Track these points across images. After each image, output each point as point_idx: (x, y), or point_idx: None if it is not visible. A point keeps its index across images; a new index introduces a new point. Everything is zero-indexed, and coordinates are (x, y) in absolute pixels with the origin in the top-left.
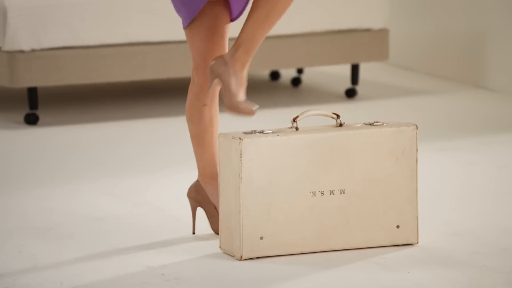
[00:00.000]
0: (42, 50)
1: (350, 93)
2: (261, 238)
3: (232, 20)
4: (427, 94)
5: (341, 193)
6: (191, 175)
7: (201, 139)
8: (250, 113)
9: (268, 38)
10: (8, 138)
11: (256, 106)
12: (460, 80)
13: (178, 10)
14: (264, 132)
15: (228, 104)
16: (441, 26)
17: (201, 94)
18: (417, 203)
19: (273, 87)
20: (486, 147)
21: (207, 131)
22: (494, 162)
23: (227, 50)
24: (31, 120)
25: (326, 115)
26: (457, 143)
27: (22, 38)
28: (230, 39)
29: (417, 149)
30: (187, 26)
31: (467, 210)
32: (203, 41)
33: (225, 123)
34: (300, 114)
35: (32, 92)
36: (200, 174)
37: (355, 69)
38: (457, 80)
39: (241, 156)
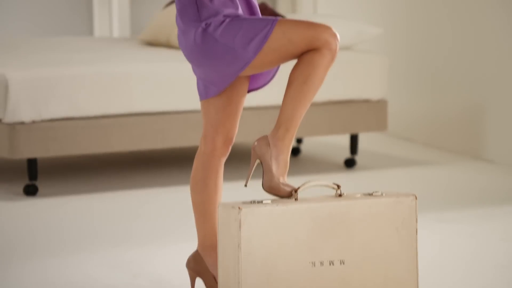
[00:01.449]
0: (43, 121)
1: (349, 163)
2: None
3: (251, 90)
4: (426, 165)
5: (341, 264)
6: (191, 246)
7: (203, 208)
8: (290, 196)
9: (267, 108)
10: (6, 210)
11: (296, 188)
12: (459, 151)
13: (210, 83)
14: (264, 202)
15: (267, 185)
16: (440, 97)
17: (207, 163)
18: (417, 275)
19: None
20: (486, 219)
21: (210, 201)
22: (494, 235)
23: (238, 121)
24: (30, 191)
25: (326, 186)
26: (457, 215)
27: (23, 110)
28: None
29: (416, 220)
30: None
31: (468, 283)
32: (218, 111)
33: (224, 194)
34: (301, 186)
35: (32, 163)
36: (200, 244)
37: (354, 139)
38: (456, 151)
39: (240, 226)
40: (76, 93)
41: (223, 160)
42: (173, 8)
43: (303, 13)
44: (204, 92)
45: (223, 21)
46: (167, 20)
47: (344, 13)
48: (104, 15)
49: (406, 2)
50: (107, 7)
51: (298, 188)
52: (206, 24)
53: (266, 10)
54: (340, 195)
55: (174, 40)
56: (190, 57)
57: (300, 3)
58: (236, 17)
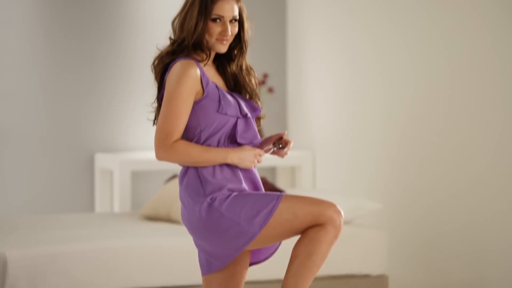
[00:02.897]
0: None
1: None
2: None
3: (253, 264)
4: None
5: None
6: None
7: None
8: None
9: (268, 282)
10: None
11: None
12: None
13: (214, 257)
14: None
15: None
16: (441, 272)
17: None
18: None
19: None
20: None
21: None
22: None
23: None
24: None
25: None
26: None
27: None
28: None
29: None
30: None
31: None
32: (221, 286)
33: None
34: None
35: None
36: None
37: None
38: None
39: None
40: (75, 270)
41: None
42: (173, 183)
43: (303, 188)
44: (207, 267)
45: (228, 196)
46: (167, 195)
47: (343, 188)
48: (106, 191)
49: (404, 177)
50: (108, 183)
51: None
52: (211, 199)
53: (266, 185)
54: None
55: (175, 214)
56: (194, 231)
57: (300, 178)
58: (241, 191)
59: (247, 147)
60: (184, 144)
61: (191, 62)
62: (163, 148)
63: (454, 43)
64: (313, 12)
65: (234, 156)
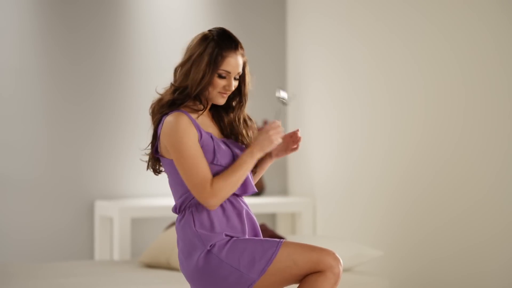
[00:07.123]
0: None
1: None
2: None
3: None
4: None
5: None
6: None
7: None
8: None
9: None
10: None
11: None
12: None
13: None
14: None
15: None
16: None
17: None
18: None
19: None
20: None
21: None
22: None
23: None
24: None
25: None
26: None
27: None
28: None
29: None
30: None
31: None
32: None
33: None
34: None
35: None
36: None
37: None
38: None
39: None
40: None
41: None
42: (173, 230)
43: (303, 235)
44: None
45: (227, 241)
46: (167, 242)
47: (344, 234)
48: (105, 238)
49: (405, 224)
50: (108, 230)
51: None
52: (210, 246)
53: (266, 232)
54: None
55: (174, 261)
56: (192, 280)
57: (300, 225)
58: (238, 237)
59: (260, 133)
60: (219, 182)
61: (182, 113)
62: (208, 197)
63: (458, 86)
64: (312, 60)
65: (258, 152)
